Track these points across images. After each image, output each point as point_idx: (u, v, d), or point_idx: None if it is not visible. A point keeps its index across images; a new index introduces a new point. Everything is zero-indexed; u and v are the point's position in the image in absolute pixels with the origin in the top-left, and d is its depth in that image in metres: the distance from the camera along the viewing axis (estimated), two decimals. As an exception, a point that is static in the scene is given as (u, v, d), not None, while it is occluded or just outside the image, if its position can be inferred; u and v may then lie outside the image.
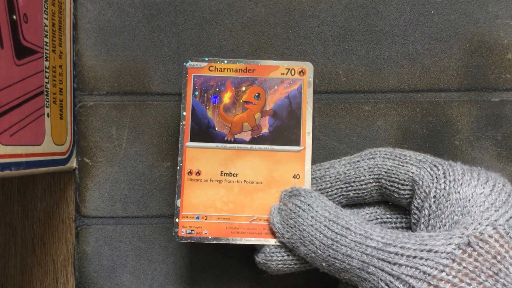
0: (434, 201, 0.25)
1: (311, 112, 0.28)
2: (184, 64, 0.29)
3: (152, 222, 0.32)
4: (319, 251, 0.25)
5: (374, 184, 0.27)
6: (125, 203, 0.32)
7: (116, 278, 0.32)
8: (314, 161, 0.29)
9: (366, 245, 0.23)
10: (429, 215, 0.25)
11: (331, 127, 0.31)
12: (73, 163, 0.32)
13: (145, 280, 0.32)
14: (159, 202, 0.32)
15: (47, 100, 0.29)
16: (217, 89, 0.29)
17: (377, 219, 0.28)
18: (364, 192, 0.27)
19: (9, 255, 0.33)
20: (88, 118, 0.32)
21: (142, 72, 0.32)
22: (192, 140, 0.29)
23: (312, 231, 0.25)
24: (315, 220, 0.25)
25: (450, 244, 0.22)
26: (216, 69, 0.29)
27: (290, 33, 0.32)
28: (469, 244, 0.22)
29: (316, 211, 0.25)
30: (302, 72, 0.28)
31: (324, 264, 0.25)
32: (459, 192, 0.24)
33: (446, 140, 0.31)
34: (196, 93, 0.29)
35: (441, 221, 0.24)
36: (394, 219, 0.28)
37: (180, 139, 0.29)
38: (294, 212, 0.26)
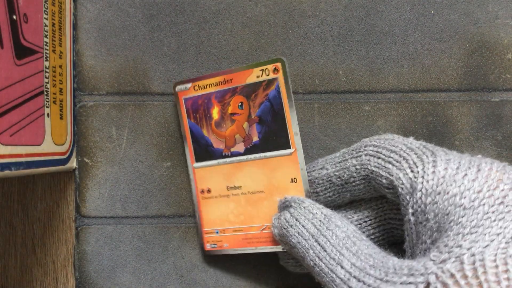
0: (413, 213, 0.21)
1: (294, 110, 0.27)
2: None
3: (152, 222, 0.32)
4: (309, 269, 0.24)
5: (366, 184, 0.24)
6: (125, 203, 0.32)
7: (116, 278, 0.32)
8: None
9: (336, 275, 0.21)
10: (411, 228, 0.22)
11: (331, 127, 0.31)
12: (73, 163, 0.32)
13: (145, 280, 0.32)
14: (159, 202, 0.32)
15: (47, 100, 0.29)
16: (206, 107, 0.29)
17: (384, 214, 0.26)
18: (361, 192, 0.25)
19: (9, 255, 0.33)
20: (88, 118, 0.32)
21: (142, 72, 0.32)
22: (197, 160, 0.30)
23: (299, 248, 0.24)
24: (301, 237, 0.24)
25: (410, 283, 0.19)
26: (200, 87, 0.29)
27: (290, 33, 0.32)
28: (428, 286, 0.18)
29: (303, 226, 0.24)
30: (276, 70, 0.27)
31: (317, 281, 0.23)
32: (436, 203, 0.20)
33: (446, 140, 0.31)
34: (190, 114, 0.29)
35: (421, 237, 0.21)
36: (400, 216, 0.25)
37: (187, 161, 0.30)
38: (284, 228, 0.25)
